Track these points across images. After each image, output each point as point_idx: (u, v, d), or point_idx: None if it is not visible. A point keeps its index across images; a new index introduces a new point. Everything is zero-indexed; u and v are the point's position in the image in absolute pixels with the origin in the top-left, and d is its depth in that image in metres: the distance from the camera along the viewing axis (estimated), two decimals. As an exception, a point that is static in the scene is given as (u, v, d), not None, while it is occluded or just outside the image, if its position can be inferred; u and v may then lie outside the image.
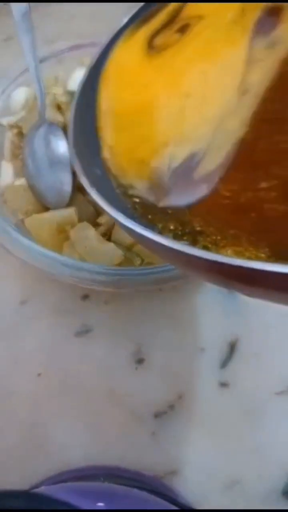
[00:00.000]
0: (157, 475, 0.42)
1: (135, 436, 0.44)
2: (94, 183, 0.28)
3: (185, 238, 0.25)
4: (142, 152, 0.30)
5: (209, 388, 0.46)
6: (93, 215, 0.50)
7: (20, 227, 0.48)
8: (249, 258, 0.22)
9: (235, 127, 0.27)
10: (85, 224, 0.47)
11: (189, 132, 0.29)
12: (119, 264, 0.47)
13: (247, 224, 0.24)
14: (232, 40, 0.30)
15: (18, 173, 0.52)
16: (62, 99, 0.53)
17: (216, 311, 0.49)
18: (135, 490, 0.37)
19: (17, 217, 0.50)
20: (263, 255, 0.22)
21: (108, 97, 0.33)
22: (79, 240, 0.46)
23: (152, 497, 0.37)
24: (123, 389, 0.45)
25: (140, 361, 0.47)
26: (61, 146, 0.50)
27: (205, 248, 0.24)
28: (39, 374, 0.46)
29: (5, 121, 0.54)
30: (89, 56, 0.34)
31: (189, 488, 0.42)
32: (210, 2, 0.27)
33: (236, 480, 0.42)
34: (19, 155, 0.53)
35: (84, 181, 0.28)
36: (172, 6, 0.34)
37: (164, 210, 0.27)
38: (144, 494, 0.37)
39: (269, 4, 0.30)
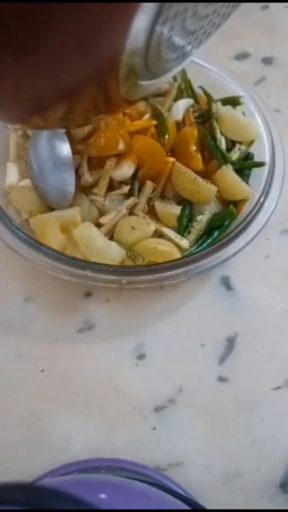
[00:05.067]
0: (158, 467, 0.43)
1: (137, 430, 0.44)
2: None
3: None
4: None
5: (208, 383, 0.46)
6: (96, 215, 0.51)
7: (25, 226, 0.49)
8: None
9: None
10: (88, 224, 0.48)
11: None
12: (121, 263, 0.48)
13: None
14: None
15: (22, 174, 0.53)
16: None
17: (215, 308, 0.50)
18: (137, 483, 0.38)
19: (21, 217, 0.51)
20: None
21: None
22: (82, 240, 0.47)
23: (153, 490, 0.38)
24: (124, 384, 0.46)
25: (141, 356, 0.48)
26: (65, 148, 0.50)
27: None
28: (42, 370, 0.47)
29: (10, 123, 0.55)
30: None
31: (189, 481, 0.42)
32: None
33: (235, 473, 0.43)
34: (24, 156, 0.54)
35: None
36: None
37: None
38: (146, 486, 0.38)
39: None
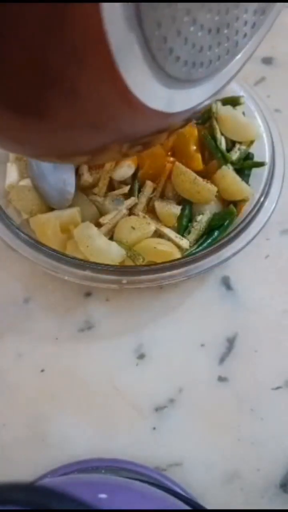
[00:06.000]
0: (158, 467, 0.43)
1: (137, 430, 0.44)
2: None
3: None
4: None
5: (208, 382, 0.46)
6: (96, 215, 0.51)
7: (25, 226, 0.49)
8: None
9: None
10: (88, 223, 0.48)
11: None
12: (121, 263, 0.48)
13: None
14: None
15: (22, 174, 0.53)
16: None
17: (215, 308, 0.50)
18: (137, 483, 0.38)
19: (21, 217, 0.51)
20: None
21: None
22: (82, 239, 0.47)
23: (153, 490, 0.38)
24: (124, 384, 0.46)
25: (141, 356, 0.48)
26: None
27: None
28: (42, 370, 0.47)
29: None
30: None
31: (189, 481, 0.42)
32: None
33: (235, 473, 0.43)
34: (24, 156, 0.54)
35: None
36: None
37: None
38: (146, 486, 0.38)
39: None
